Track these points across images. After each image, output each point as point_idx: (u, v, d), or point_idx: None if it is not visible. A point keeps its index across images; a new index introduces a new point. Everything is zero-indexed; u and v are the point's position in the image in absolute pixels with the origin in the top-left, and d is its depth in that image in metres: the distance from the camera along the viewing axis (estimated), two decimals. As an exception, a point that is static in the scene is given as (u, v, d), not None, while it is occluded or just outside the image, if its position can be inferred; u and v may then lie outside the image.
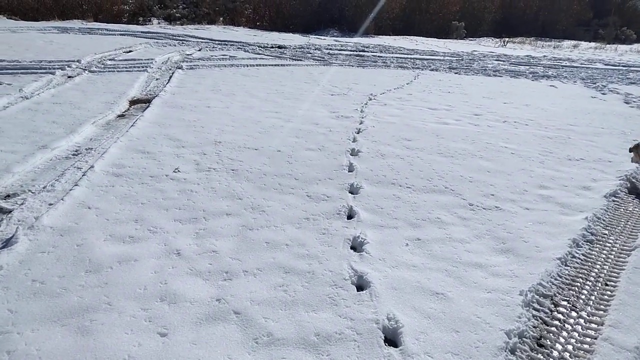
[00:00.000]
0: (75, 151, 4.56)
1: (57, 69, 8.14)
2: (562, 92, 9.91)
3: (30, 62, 8.62)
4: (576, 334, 2.41)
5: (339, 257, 2.92)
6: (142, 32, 15.05)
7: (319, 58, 12.32)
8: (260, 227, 3.25)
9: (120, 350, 2.06)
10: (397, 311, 2.43)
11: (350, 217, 3.51)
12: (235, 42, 14.35)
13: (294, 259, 2.88)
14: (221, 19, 22.91)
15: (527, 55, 16.68)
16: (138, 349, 2.08)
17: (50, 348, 2.06)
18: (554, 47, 22.59)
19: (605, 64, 14.98)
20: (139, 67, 9.06)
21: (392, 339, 2.27)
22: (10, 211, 3.26)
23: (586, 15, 32.30)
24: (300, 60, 11.83)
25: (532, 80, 11.29)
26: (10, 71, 7.77)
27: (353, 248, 3.08)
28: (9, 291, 2.41)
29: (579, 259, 3.10)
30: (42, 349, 2.05)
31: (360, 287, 2.65)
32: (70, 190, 3.59)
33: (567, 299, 2.69)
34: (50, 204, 3.37)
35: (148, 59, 9.84)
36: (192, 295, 2.47)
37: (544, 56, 16.94)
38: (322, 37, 18.94)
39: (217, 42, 14.18)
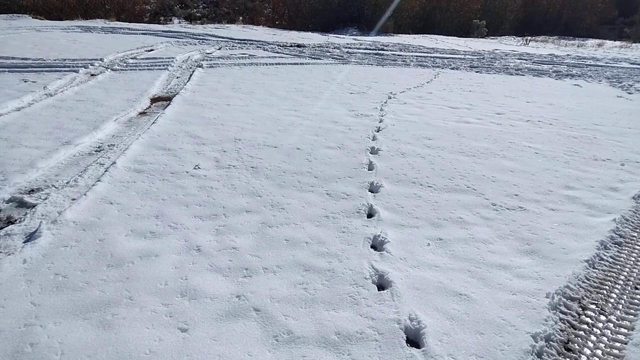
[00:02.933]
0: (98, 147, 4.62)
1: (81, 67, 8.26)
2: (586, 91, 9.68)
3: (55, 60, 8.78)
4: (605, 339, 2.33)
5: (359, 256, 2.88)
6: (163, 31, 15.20)
7: (338, 57, 12.28)
8: (280, 224, 3.23)
9: (142, 344, 2.07)
10: (419, 311, 2.38)
11: (370, 215, 3.47)
12: (255, 41, 14.40)
13: (313, 257, 2.85)
14: (241, 18, 23.05)
15: (550, 54, 16.36)
16: (159, 344, 2.08)
17: (72, 341, 2.07)
18: (578, 46, 22.12)
19: (632, 63, 14.59)
20: (160, 65, 9.14)
21: (414, 340, 2.23)
22: (34, 205, 3.31)
23: (611, 13, 31.58)
24: (319, 59, 11.81)
25: (556, 79, 11.06)
26: (35, 69, 7.91)
27: (373, 247, 3.04)
28: (33, 284, 2.44)
29: (607, 261, 3.01)
30: (65, 342, 2.06)
31: (381, 287, 2.61)
32: (93, 185, 3.63)
33: (596, 302, 2.61)
34: (73, 199, 3.41)
35: (169, 58, 9.93)
36: (212, 292, 2.46)
37: (568, 55, 16.59)
38: (342, 36, 18.88)
39: (236, 41, 14.24)
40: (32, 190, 3.61)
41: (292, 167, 4.28)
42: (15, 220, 3.12)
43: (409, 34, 22.52)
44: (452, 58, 13.54)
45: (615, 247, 3.19)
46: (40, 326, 2.15)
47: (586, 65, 13.76)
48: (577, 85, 10.33)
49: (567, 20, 29.99)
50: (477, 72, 11.41)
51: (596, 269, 2.91)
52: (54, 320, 2.19)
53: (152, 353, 2.02)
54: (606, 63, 14.39)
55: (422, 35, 22.30)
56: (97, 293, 2.39)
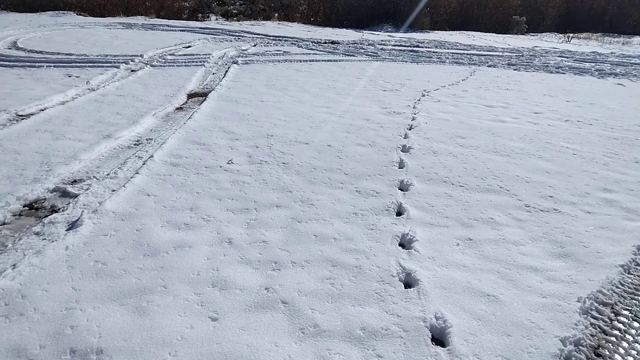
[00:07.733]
0: (137, 141, 4.79)
1: (122, 63, 8.56)
2: (630, 91, 9.31)
3: (97, 56, 9.12)
4: (638, 346, 2.27)
5: (386, 254, 2.90)
6: (200, 28, 15.51)
7: (371, 53, 12.23)
8: (309, 220, 3.28)
9: (174, 331, 2.16)
10: (446, 311, 2.39)
11: (399, 214, 3.48)
12: (289, 37, 14.49)
13: (341, 252, 2.89)
14: (276, 15, 23.23)
15: (593, 52, 15.77)
16: (190, 331, 2.16)
17: (109, 325, 2.18)
18: (623, 44, 21.22)
19: (682, 62, 13.89)
20: (196, 61, 9.35)
21: (439, 339, 2.24)
22: (77, 196, 3.47)
23: (661, 9, 30.07)
24: (353, 55, 11.79)
25: (598, 77, 10.67)
26: (78, 64, 8.26)
27: (401, 245, 3.04)
28: (74, 270, 2.57)
29: (645, 267, 2.92)
30: (102, 326, 2.17)
31: (407, 285, 2.62)
32: (132, 178, 3.77)
33: (629, 308, 2.54)
34: (113, 190, 3.56)
35: (205, 54, 10.14)
36: (242, 283, 2.53)
37: (612, 53, 15.96)
38: (376, 33, 18.76)
39: (271, 37, 14.38)
40: (75, 181, 3.78)
41: (323, 164, 4.32)
42: (59, 209, 3.29)
43: (445, 30, 22.14)
44: (490, 55, 13.25)
45: (653, 253, 3.08)
46: (80, 310, 2.27)
47: (631, 63, 13.21)
48: (621, 84, 9.95)
49: (612, 17, 28.78)
50: (515, 69, 11.14)
51: (631, 274, 2.83)
52: (93, 304, 2.31)
53: (184, 340, 2.11)
54: (653, 61, 13.76)
55: (458, 31, 21.89)
56: (133, 280, 2.51)
